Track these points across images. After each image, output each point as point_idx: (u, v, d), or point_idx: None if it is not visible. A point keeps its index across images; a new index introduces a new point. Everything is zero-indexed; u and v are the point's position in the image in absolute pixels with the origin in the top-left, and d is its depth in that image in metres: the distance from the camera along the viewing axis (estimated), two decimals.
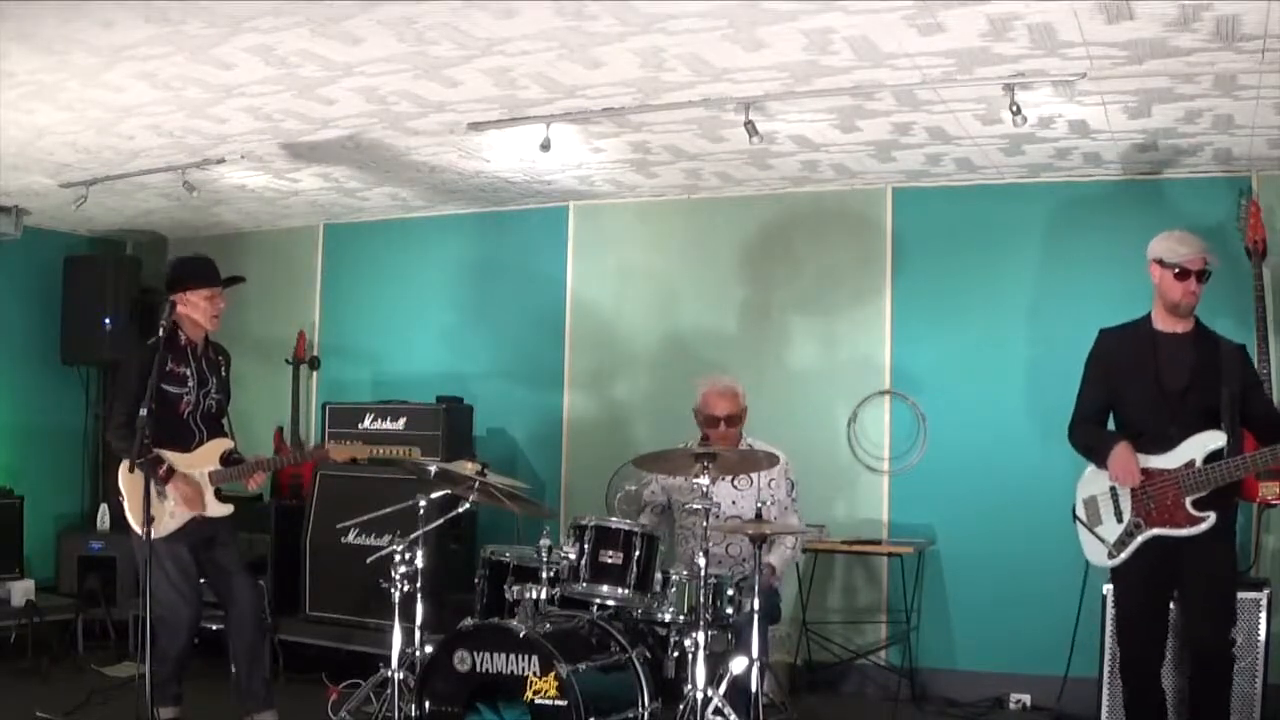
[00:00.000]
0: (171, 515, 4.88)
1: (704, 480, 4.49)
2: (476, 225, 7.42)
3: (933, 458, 6.30)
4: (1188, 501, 4.22)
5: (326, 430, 6.86)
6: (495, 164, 6.18)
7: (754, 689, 4.42)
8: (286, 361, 7.59)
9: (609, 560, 4.59)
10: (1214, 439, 4.24)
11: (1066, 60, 4.33)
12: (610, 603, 4.63)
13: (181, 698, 4.97)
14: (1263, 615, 4.89)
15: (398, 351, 7.58)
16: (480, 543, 5.71)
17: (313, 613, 6.46)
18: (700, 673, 4.34)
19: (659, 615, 4.62)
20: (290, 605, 6.48)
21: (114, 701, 5.72)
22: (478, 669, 4.35)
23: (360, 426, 6.76)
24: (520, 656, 4.28)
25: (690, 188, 6.70)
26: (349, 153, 5.86)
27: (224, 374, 5.18)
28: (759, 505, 4.73)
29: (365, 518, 5.75)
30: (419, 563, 4.72)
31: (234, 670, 5.07)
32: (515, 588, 4.63)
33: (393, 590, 4.69)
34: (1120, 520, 4.37)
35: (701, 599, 4.44)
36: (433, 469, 4.90)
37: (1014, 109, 4.58)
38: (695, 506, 4.48)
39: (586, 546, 4.62)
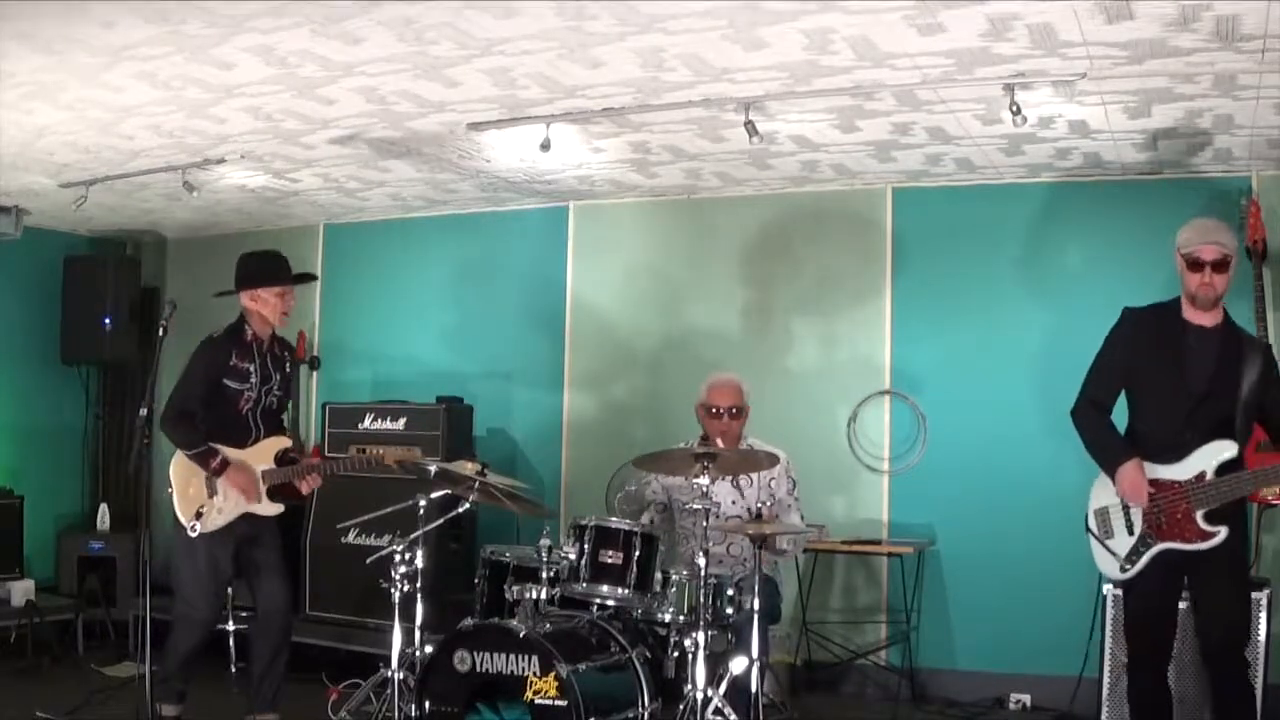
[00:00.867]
0: (220, 511, 4.86)
1: (704, 480, 4.49)
2: (476, 225, 7.42)
3: (933, 458, 6.30)
4: (1199, 515, 4.10)
5: (327, 430, 6.86)
6: (495, 164, 6.18)
7: (754, 689, 4.42)
8: None
9: (609, 560, 4.59)
10: (1225, 449, 4.11)
11: (1066, 60, 4.33)
12: (610, 603, 4.63)
13: (185, 696, 4.97)
14: (1263, 615, 4.89)
15: (398, 351, 7.57)
16: (480, 543, 5.70)
17: (313, 613, 6.46)
18: (700, 673, 4.34)
19: (659, 615, 4.62)
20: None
21: (114, 701, 5.72)
22: (478, 669, 4.35)
23: (360, 426, 6.74)
24: (520, 656, 4.28)
25: (690, 188, 6.70)
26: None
27: (288, 370, 5.15)
28: (759, 505, 4.73)
29: (365, 518, 5.75)
30: (419, 563, 4.72)
31: (251, 668, 5.06)
32: (515, 588, 4.63)
33: (393, 590, 4.69)
34: (1132, 533, 4.24)
35: (701, 599, 4.44)
36: (433, 469, 4.90)
37: (1014, 109, 4.58)
38: (695, 506, 4.48)
39: (586, 546, 4.62)
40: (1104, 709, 5.08)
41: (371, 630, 5.99)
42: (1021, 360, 6.16)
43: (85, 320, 7.66)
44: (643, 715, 4.43)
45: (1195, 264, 4.15)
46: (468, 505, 4.91)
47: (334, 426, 6.84)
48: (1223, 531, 4.08)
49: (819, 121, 5.25)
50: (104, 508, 7.66)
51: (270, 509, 5.01)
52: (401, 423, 6.66)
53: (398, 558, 4.70)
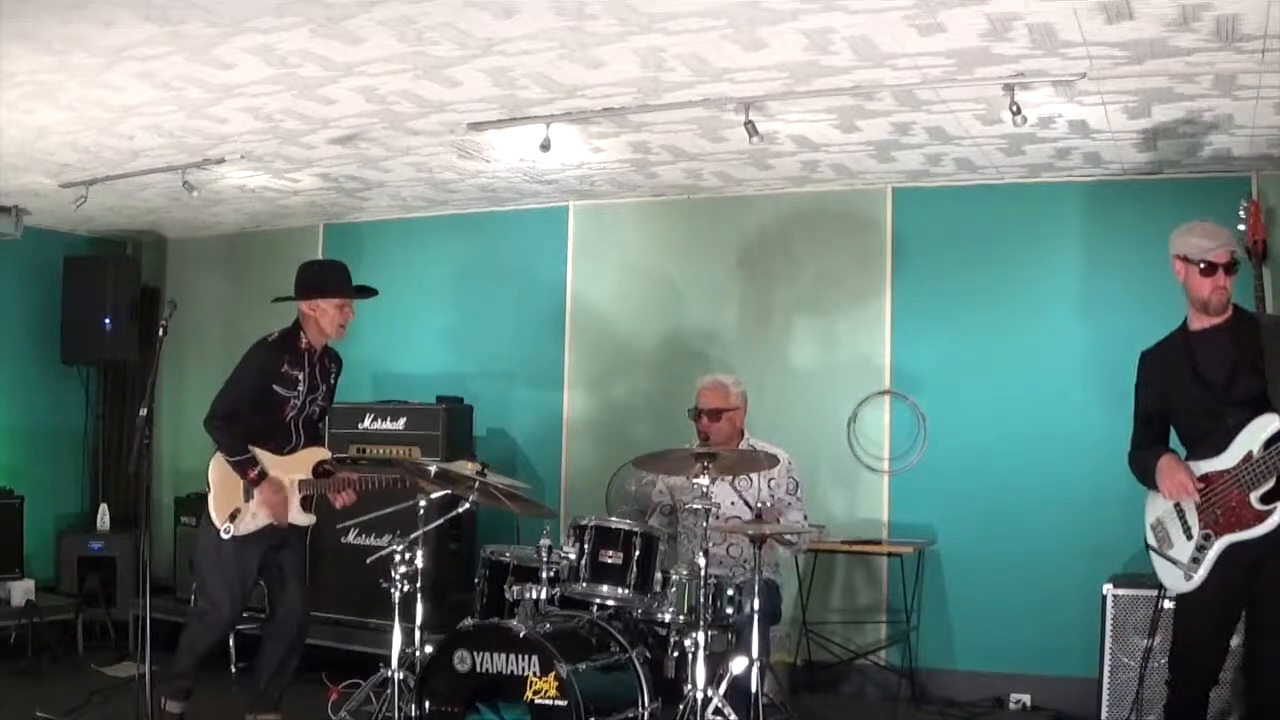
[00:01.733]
0: (254, 516, 4.86)
1: (704, 480, 4.49)
2: (476, 225, 7.41)
3: (933, 458, 6.30)
4: (1253, 497, 3.87)
5: (327, 430, 6.84)
6: (495, 164, 6.18)
7: (754, 689, 4.42)
8: None
9: (609, 560, 4.59)
10: (1268, 423, 3.88)
11: (1066, 60, 4.33)
12: (610, 603, 4.64)
13: (190, 694, 4.96)
14: None
15: (398, 351, 7.57)
16: (480, 543, 5.70)
17: (313, 613, 6.43)
18: (700, 673, 4.34)
19: (659, 615, 4.62)
20: None
21: (114, 701, 5.72)
22: (478, 669, 4.36)
23: (360, 426, 6.74)
24: (520, 656, 4.28)
25: (690, 188, 6.70)
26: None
27: (333, 381, 5.16)
28: (759, 505, 4.73)
29: (365, 518, 5.74)
30: (419, 563, 4.71)
31: (260, 668, 5.06)
32: (515, 588, 4.63)
33: (393, 590, 4.68)
34: (1190, 537, 4.02)
35: (701, 599, 4.44)
36: (433, 469, 4.90)
37: (1014, 109, 4.58)
38: (695, 506, 4.48)
39: (586, 546, 4.62)
40: (1104, 709, 5.07)
41: (371, 630, 5.99)
42: (1022, 360, 6.16)
43: (85, 320, 7.66)
44: (643, 715, 4.43)
45: (1210, 268, 4.06)
46: (468, 505, 4.89)
47: (334, 426, 6.82)
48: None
49: (819, 121, 5.25)
50: (104, 508, 7.66)
51: (304, 519, 5.02)
52: (401, 423, 6.66)
53: (398, 558, 4.69)
